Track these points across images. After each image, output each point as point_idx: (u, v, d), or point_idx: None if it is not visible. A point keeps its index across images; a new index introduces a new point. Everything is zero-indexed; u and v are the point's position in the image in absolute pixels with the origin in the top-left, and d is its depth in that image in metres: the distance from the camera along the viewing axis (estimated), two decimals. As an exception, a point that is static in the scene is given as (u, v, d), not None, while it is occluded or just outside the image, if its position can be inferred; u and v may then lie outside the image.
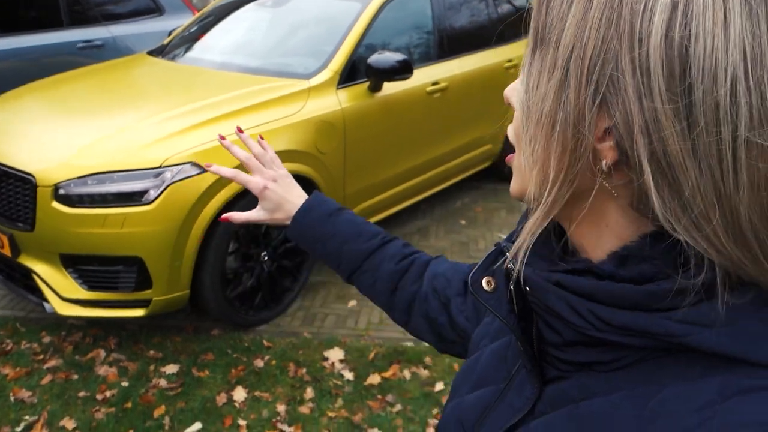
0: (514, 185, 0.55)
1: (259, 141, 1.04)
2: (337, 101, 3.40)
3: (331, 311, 3.42)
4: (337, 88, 3.44)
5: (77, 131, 2.94)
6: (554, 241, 0.56)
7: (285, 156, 3.09)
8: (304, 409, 2.71)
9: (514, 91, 0.56)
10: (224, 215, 1.01)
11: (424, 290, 0.93)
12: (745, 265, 0.43)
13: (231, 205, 2.89)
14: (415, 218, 4.48)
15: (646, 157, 0.41)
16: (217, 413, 2.68)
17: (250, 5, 4.19)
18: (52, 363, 2.96)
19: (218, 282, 2.95)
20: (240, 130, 1.04)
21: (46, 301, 2.83)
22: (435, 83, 3.98)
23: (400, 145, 3.84)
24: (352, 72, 3.54)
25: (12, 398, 2.74)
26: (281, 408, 2.71)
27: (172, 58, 3.89)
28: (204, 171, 2.78)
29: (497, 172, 4.99)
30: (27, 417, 2.64)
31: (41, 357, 3.01)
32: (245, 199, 2.94)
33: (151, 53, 4.08)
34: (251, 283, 3.15)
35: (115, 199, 2.69)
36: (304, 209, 0.98)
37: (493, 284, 0.59)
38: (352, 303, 3.47)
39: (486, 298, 0.59)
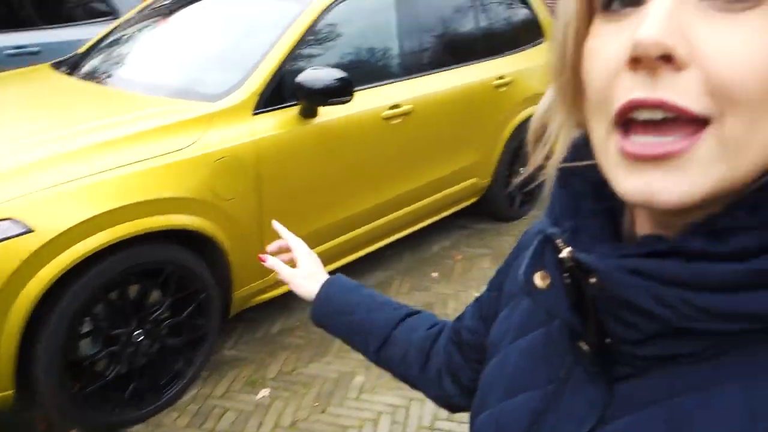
0: (707, 179, 0.38)
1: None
2: (250, 130, 2.62)
3: (233, 404, 2.63)
4: (254, 113, 2.66)
5: None
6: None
7: (169, 205, 2.33)
8: None
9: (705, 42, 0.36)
10: (261, 255, 1.00)
11: (448, 348, 0.82)
12: None
13: (68, 276, 2.13)
14: (377, 268, 3.67)
15: None
16: None
17: (180, 11, 3.45)
18: None
19: (57, 377, 2.20)
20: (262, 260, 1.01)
21: None
22: (395, 106, 3.17)
23: (346, 184, 3.04)
24: (279, 92, 2.77)
25: None
26: None
27: (70, 72, 3.17)
28: (30, 231, 2.03)
29: (486, 209, 4.21)
30: None
31: None
32: (86, 275, 2.17)
33: (55, 65, 3.38)
34: (116, 372, 2.38)
35: None
36: (330, 279, 0.97)
37: (548, 279, 0.48)
38: (264, 393, 2.67)
39: (541, 298, 0.49)
